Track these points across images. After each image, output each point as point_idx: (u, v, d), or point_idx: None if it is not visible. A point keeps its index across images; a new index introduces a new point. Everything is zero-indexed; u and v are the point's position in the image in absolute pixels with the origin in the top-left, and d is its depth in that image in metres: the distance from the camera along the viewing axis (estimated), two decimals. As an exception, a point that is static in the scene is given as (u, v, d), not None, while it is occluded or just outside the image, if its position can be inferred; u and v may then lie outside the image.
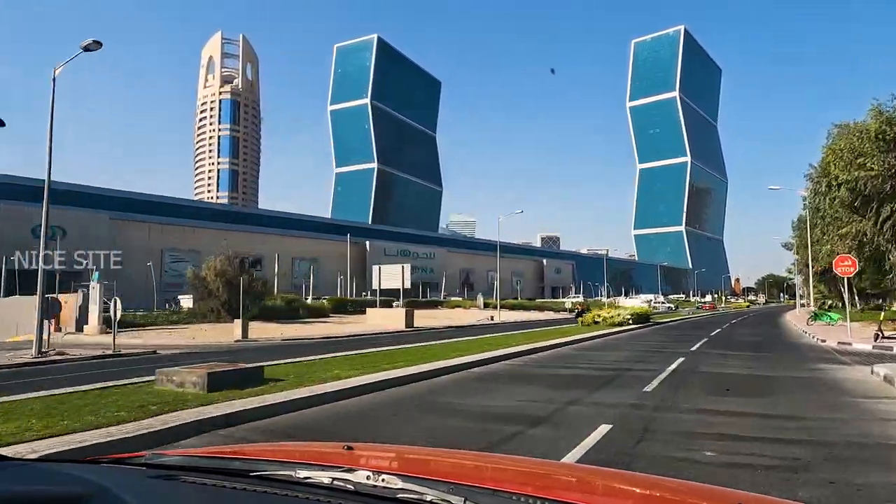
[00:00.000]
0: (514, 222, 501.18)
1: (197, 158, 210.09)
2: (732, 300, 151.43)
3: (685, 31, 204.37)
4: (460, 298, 71.23)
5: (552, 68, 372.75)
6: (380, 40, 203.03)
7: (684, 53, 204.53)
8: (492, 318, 31.23)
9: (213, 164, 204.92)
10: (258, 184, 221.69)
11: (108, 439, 5.80)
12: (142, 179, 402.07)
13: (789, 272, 72.40)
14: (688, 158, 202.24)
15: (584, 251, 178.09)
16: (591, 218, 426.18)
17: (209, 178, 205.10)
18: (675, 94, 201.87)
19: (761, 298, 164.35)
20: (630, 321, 26.75)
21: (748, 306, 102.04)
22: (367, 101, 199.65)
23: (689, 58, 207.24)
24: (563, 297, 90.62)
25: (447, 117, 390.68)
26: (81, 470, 1.62)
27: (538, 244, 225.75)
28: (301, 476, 1.45)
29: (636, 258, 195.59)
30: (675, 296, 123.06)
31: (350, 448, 1.84)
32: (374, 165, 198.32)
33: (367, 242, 77.64)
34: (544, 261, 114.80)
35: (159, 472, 1.60)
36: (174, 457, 1.79)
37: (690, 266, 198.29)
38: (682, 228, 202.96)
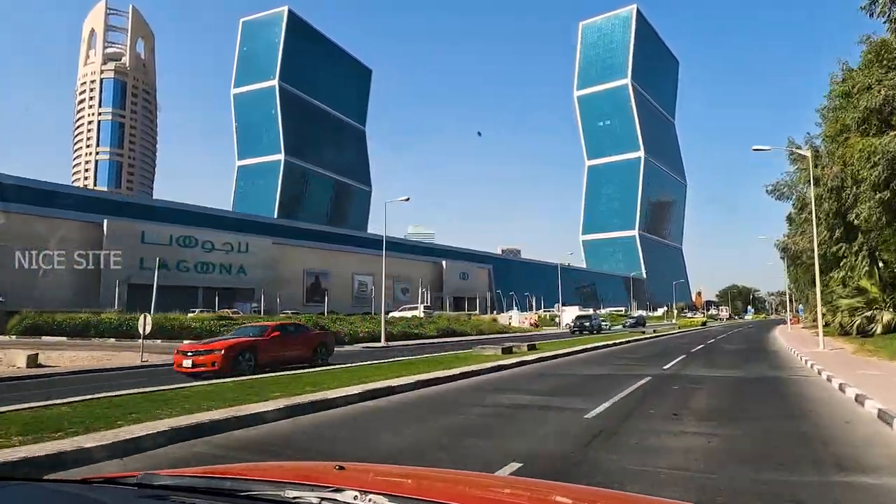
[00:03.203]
0: (475, 235, 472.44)
1: (75, 146, 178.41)
2: (690, 315, 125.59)
3: (637, 11, 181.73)
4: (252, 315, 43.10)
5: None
6: (291, 14, 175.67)
7: (637, 37, 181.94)
8: None
9: (90, 153, 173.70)
10: (153, 177, 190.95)
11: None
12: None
13: (783, 249, 41.09)
14: (641, 153, 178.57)
15: (545, 260, 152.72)
16: (557, 227, 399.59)
17: (86, 168, 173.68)
18: (627, 80, 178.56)
19: (724, 312, 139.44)
20: None
21: (704, 323, 74.47)
22: (275, 82, 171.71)
23: (642, 42, 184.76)
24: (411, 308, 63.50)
25: (413, 123, 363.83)
26: (73, 489, 1.63)
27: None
28: (290, 496, 1.42)
29: (585, 268, 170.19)
30: (615, 309, 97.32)
31: (341, 468, 1.81)
32: (281, 157, 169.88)
33: (105, 222, 48.83)
34: (444, 263, 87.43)
35: (150, 493, 1.58)
36: (166, 477, 1.76)
37: (644, 276, 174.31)
38: (634, 233, 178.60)
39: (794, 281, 48.83)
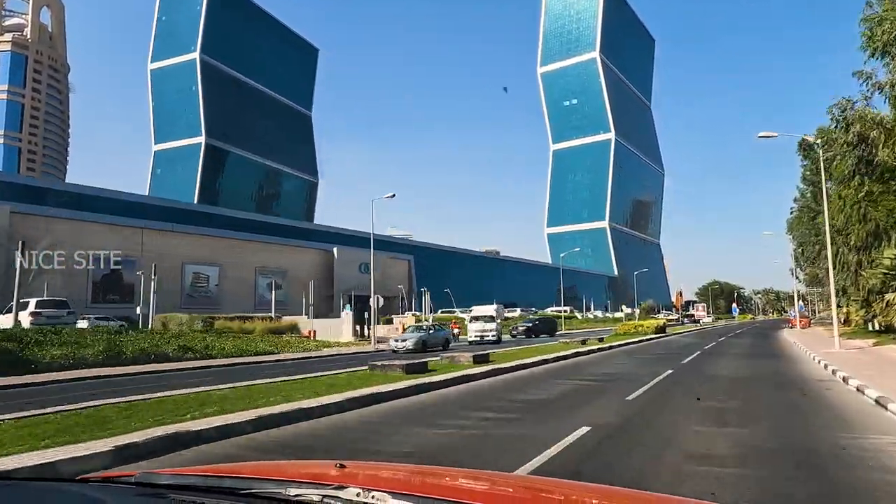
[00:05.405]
0: (458, 236, 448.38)
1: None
2: (663, 316, 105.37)
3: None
4: None
5: (504, 87, 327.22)
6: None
7: (606, 6, 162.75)
8: None
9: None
10: (66, 163, 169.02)
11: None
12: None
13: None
14: (611, 135, 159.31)
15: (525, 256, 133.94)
16: (535, 225, 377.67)
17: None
18: (595, 54, 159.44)
19: (702, 311, 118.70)
20: None
21: (662, 329, 49.58)
22: (196, 55, 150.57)
23: (612, 13, 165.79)
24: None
25: (372, 111, 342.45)
26: (72, 488, 1.64)
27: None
28: (291, 494, 1.41)
29: (550, 264, 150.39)
30: (554, 309, 77.80)
31: (342, 466, 1.80)
32: (202, 140, 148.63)
33: None
34: (335, 250, 67.16)
35: (148, 491, 1.57)
36: (164, 475, 1.74)
37: (616, 273, 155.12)
38: (605, 224, 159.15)
39: (839, 230, 27.22)
